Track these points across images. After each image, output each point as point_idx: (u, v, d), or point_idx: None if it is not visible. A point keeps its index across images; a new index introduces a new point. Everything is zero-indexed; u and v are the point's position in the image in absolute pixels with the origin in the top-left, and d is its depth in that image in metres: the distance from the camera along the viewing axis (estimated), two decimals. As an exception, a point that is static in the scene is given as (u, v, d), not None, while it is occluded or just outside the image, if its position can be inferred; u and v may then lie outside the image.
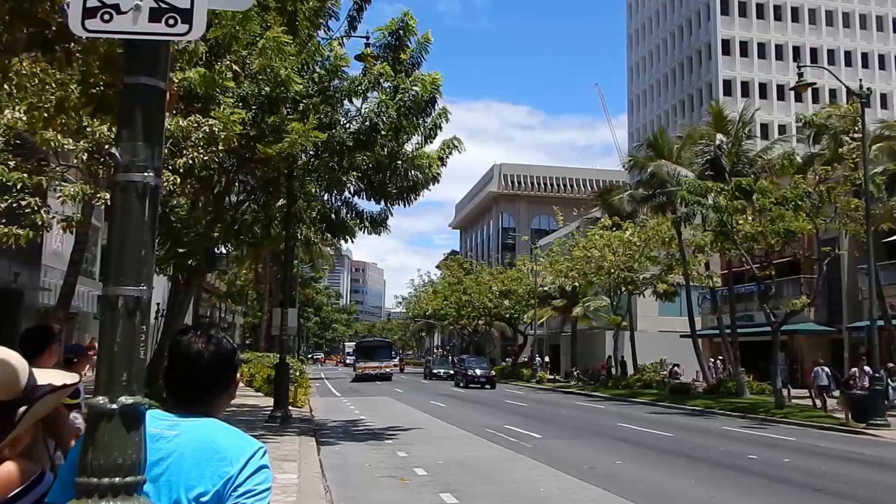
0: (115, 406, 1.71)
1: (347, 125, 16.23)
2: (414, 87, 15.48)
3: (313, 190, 17.54)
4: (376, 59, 15.95)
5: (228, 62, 12.46)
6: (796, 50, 69.49)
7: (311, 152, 15.05)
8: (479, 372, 41.49)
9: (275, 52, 13.12)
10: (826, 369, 26.56)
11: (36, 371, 2.29)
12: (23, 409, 2.21)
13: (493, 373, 43.32)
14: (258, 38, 13.00)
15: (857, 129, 23.08)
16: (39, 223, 10.41)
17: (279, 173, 15.96)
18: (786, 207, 22.82)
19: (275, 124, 14.31)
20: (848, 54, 70.93)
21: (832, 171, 23.91)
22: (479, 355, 61.00)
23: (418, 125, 16.02)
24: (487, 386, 40.13)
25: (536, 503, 9.68)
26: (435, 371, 52.86)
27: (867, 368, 23.83)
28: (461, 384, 41.35)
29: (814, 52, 70.05)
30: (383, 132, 15.40)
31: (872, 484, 11.62)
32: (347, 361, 78.22)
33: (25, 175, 10.43)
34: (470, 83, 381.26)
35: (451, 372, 47.12)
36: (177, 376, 1.96)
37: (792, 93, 52.00)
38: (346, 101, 15.99)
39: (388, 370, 49.04)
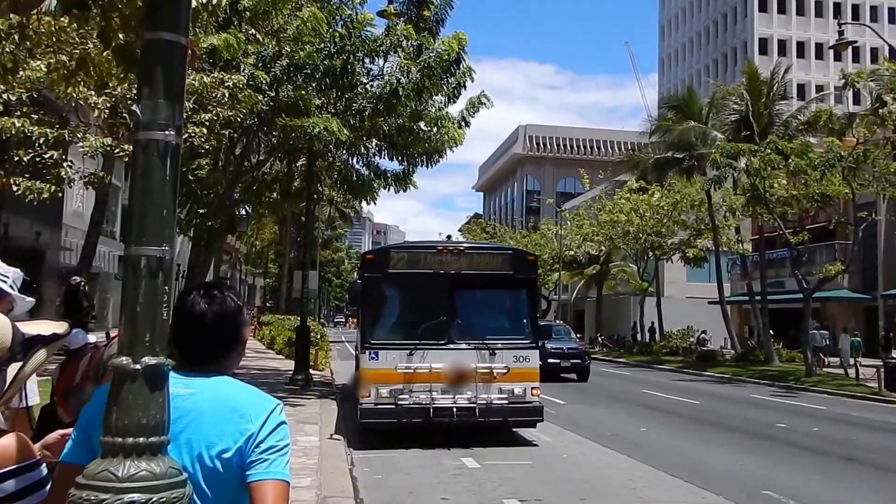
0: (138, 366, 1.71)
1: (369, 84, 15.87)
2: (439, 47, 15.08)
3: (334, 148, 17.31)
4: (399, 16, 15.49)
5: (252, 30, 12.28)
6: (837, 6, 66.99)
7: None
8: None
9: (309, 33, 13.07)
10: (824, 332, 27.19)
11: (23, 324, 2.23)
12: (14, 366, 2.14)
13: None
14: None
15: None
16: (63, 175, 10.46)
17: (299, 142, 15.78)
18: (816, 169, 22.12)
19: (294, 97, 14.10)
20: (892, 11, 68.25)
21: (871, 133, 22.98)
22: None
23: (442, 86, 15.66)
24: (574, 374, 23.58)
25: (560, 470, 9.51)
26: None
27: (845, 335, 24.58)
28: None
29: (855, 8, 67.47)
30: (405, 94, 15.03)
31: (908, 456, 11.26)
32: None
33: (48, 129, 10.43)
34: (495, 41, 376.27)
35: None
36: (184, 337, 1.98)
37: (831, 52, 50.24)
38: (366, 60, 15.63)
39: (527, 402, 10.43)
